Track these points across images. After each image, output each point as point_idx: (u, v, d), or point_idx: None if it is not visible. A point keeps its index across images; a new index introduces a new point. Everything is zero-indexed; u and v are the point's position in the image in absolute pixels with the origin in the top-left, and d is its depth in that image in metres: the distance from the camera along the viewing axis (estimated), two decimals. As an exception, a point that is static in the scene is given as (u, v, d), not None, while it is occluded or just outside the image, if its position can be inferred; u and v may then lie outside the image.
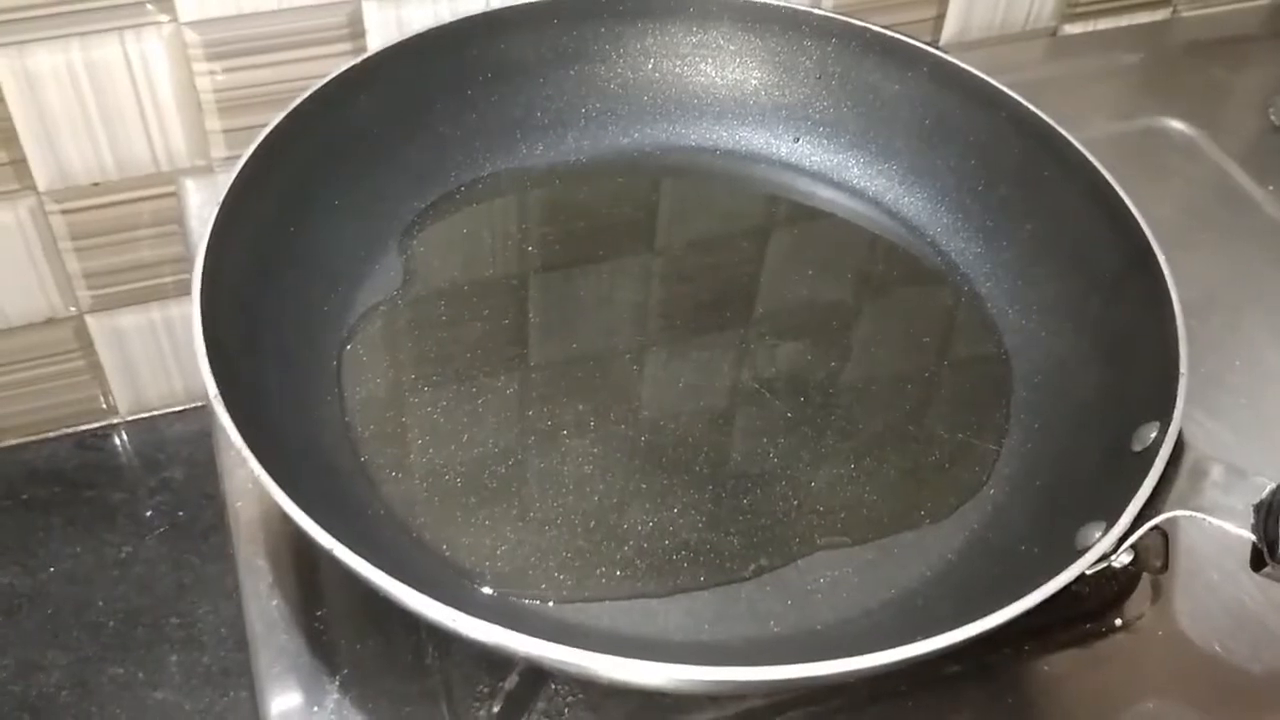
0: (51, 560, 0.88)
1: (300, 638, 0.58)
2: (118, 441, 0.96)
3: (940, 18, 0.98)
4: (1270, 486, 0.52)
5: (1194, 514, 0.53)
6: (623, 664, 0.48)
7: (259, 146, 0.66)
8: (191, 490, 0.93)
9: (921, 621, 0.53)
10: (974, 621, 0.49)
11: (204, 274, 0.59)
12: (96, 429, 0.96)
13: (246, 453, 0.51)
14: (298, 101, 0.69)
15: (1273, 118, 0.94)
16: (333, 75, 0.70)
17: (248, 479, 0.63)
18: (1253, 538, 0.51)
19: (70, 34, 0.75)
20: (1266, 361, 0.75)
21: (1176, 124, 0.93)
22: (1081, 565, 0.50)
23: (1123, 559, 0.53)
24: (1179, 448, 0.55)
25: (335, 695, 0.56)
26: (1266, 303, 0.79)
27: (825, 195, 0.78)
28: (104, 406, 0.95)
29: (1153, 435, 0.56)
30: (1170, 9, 1.06)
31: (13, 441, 0.94)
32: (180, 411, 0.97)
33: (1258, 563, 0.51)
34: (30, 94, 0.76)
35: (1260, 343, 0.76)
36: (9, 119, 0.77)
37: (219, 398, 0.53)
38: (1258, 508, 0.52)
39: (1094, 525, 0.53)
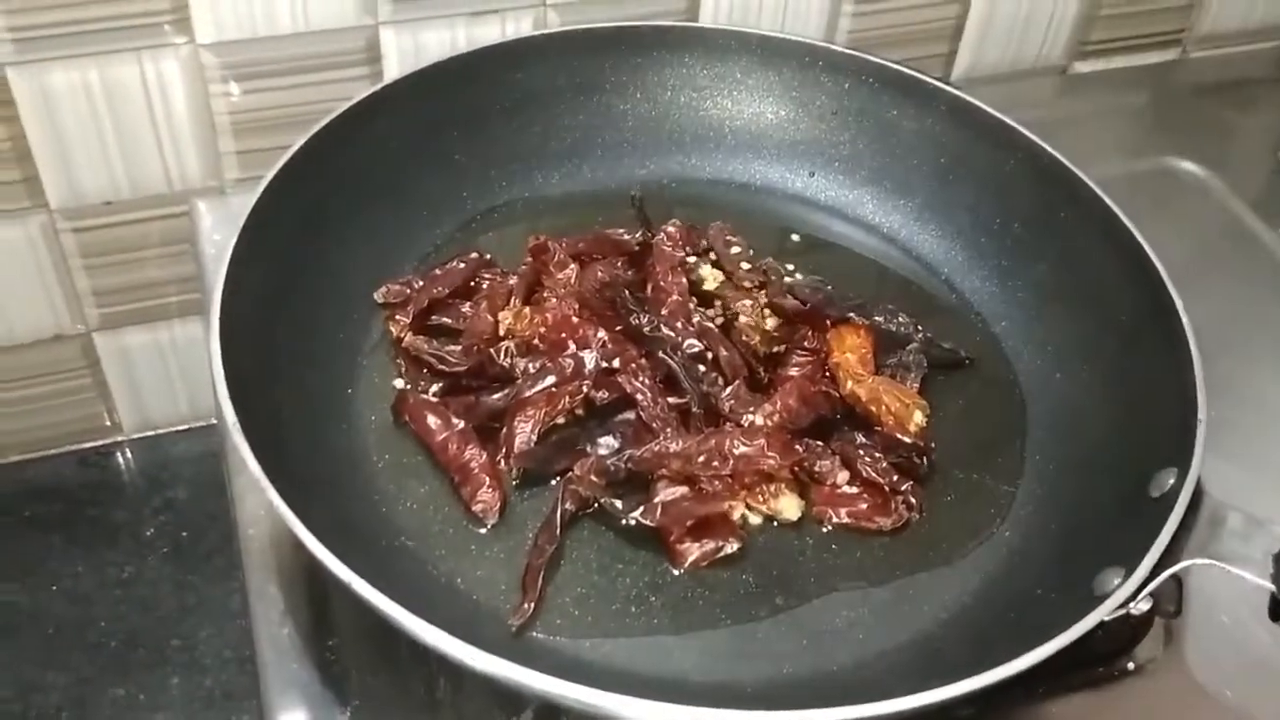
0: (52, 579, 0.88)
1: (311, 667, 0.58)
2: (121, 460, 0.96)
3: (952, 54, 0.98)
4: (1289, 537, 0.52)
5: (1214, 562, 0.53)
6: (637, 704, 0.48)
7: (276, 174, 0.66)
8: (195, 510, 0.92)
9: (938, 665, 0.53)
10: (991, 669, 0.48)
11: (223, 301, 0.59)
12: (100, 446, 0.95)
13: (265, 483, 0.51)
14: (315, 129, 0.69)
15: (1282, 160, 0.95)
16: (350, 103, 0.71)
17: (260, 505, 0.62)
18: (1272, 588, 0.51)
19: (88, 54, 0.75)
20: (1277, 404, 0.75)
21: (1186, 164, 0.93)
22: (1101, 613, 0.51)
23: (1141, 606, 0.52)
24: (1197, 495, 0.55)
25: (346, 726, 0.56)
26: (1277, 345, 0.80)
27: (840, 230, 0.78)
28: (108, 424, 0.95)
29: (1170, 482, 0.56)
30: (1180, 49, 1.07)
31: (15, 458, 0.93)
32: (184, 430, 0.96)
33: (1276, 613, 0.51)
34: (46, 112, 0.76)
35: (1270, 385, 0.76)
36: (24, 137, 0.77)
37: (238, 426, 0.53)
38: (1277, 558, 0.52)
39: (1112, 571, 0.53)
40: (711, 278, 0.70)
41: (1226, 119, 1.01)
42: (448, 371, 0.64)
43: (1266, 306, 0.83)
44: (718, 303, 0.69)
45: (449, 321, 0.68)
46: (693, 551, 0.58)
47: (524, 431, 0.61)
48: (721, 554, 0.59)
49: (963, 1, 0.95)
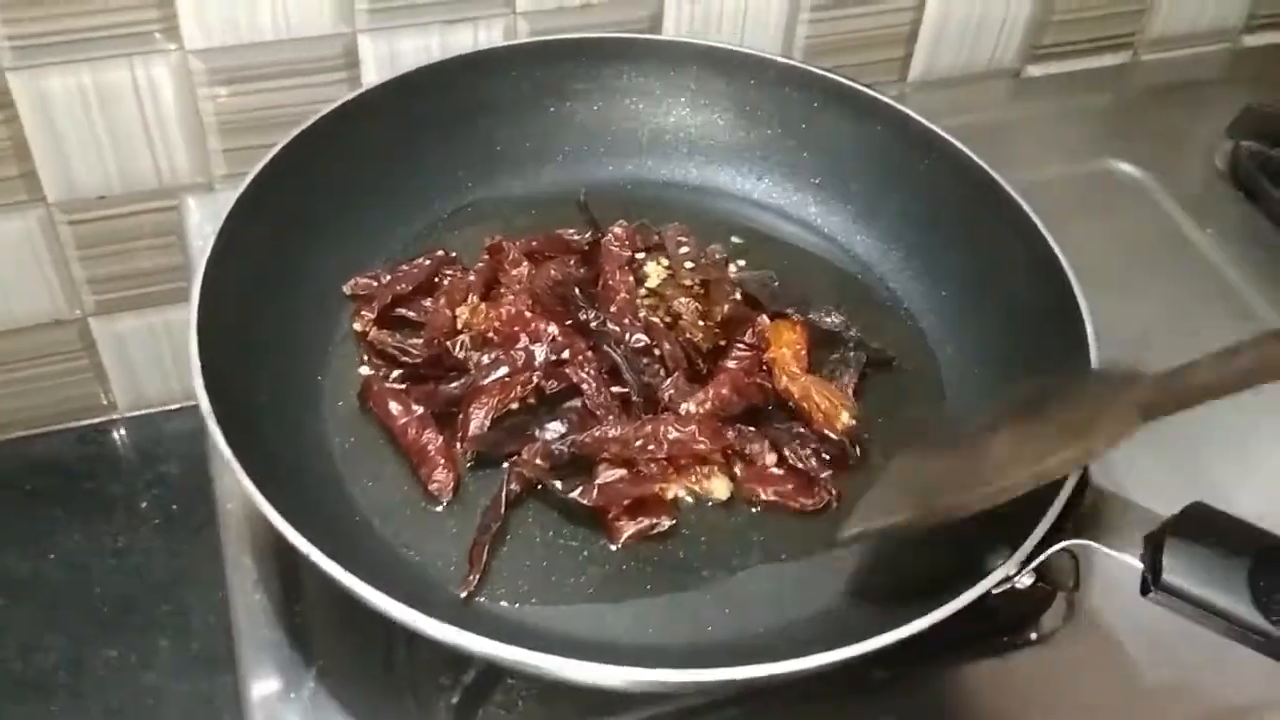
0: (51, 548, 0.93)
1: (281, 631, 0.63)
2: (117, 437, 1.00)
3: (908, 57, 1.02)
4: (1160, 520, 0.57)
5: (1090, 543, 0.57)
6: (571, 664, 0.53)
7: (260, 171, 0.71)
8: (186, 485, 0.97)
9: (846, 631, 0.58)
10: (884, 634, 0.54)
11: (202, 292, 0.64)
12: (97, 424, 1.00)
13: (235, 464, 0.56)
14: (297, 131, 0.73)
15: (1218, 163, 0.99)
16: (330, 107, 0.75)
17: (236, 483, 0.67)
18: (1140, 566, 0.56)
19: (83, 59, 0.80)
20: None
21: (1126, 167, 0.97)
22: (984, 586, 0.56)
23: (1025, 581, 0.58)
24: (1083, 480, 0.59)
25: (311, 684, 0.61)
26: (1198, 341, 0.82)
27: (787, 230, 0.83)
28: (104, 403, 1.00)
29: (1061, 469, 0.61)
30: (1131, 52, 1.11)
31: (17, 434, 0.98)
32: (177, 409, 1.01)
33: (1144, 589, 0.56)
34: (44, 114, 0.81)
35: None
36: (22, 136, 0.82)
37: (211, 413, 0.58)
38: (1147, 539, 0.56)
39: (1000, 549, 0.58)
40: (655, 275, 0.75)
41: (1173, 121, 1.04)
42: (409, 362, 0.69)
43: (1190, 304, 0.87)
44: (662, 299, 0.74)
45: (412, 315, 0.72)
46: (628, 528, 0.64)
47: (478, 417, 0.66)
48: (655, 530, 0.64)
49: (917, 7, 0.99)
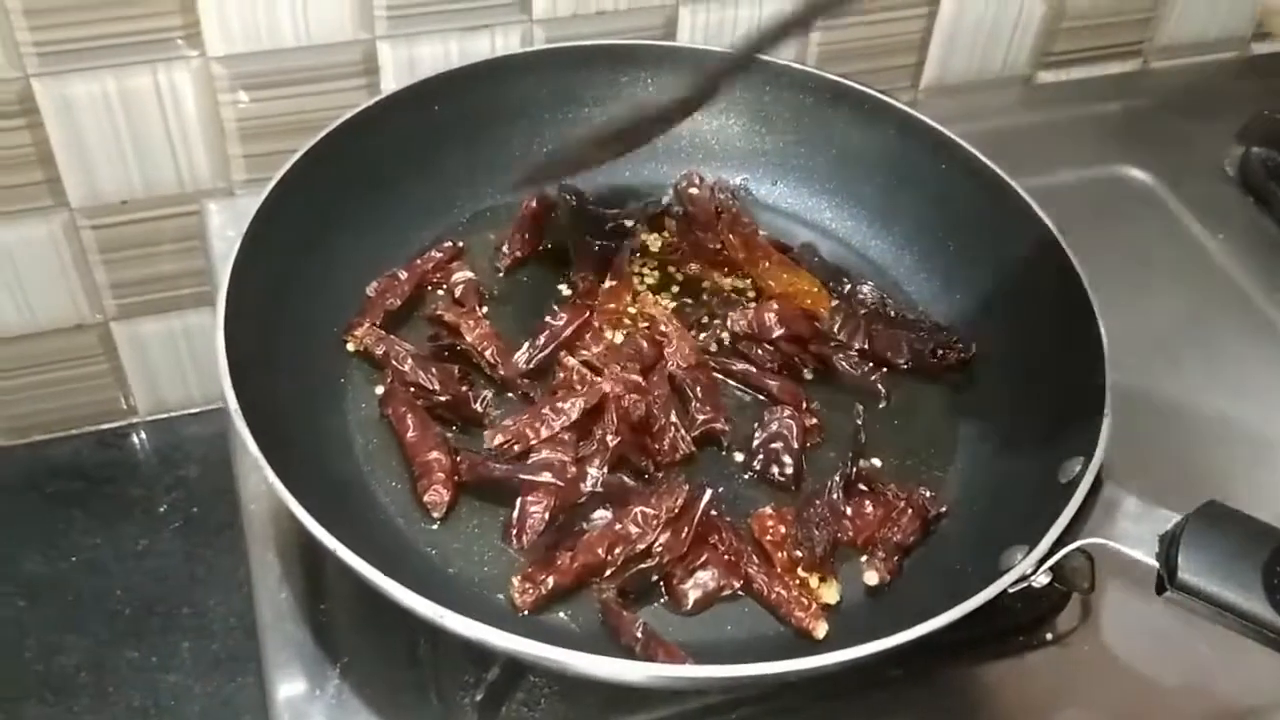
0: (72, 550, 0.93)
1: (305, 628, 0.64)
2: (137, 440, 1.01)
3: (920, 64, 1.03)
4: (1175, 520, 0.58)
5: (1106, 542, 0.58)
6: (593, 660, 0.54)
7: (281, 177, 0.72)
8: (205, 488, 0.97)
9: (862, 631, 0.59)
10: (898, 634, 0.54)
11: (228, 295, 0.65)
12: (117, 428, 1.01)
13: (262, 462, 0.57)
14: (318, 136, 0.74)
15: (1227, 169, 0.99)
16: (351, 113, 0.76)
17: (261, 482, 0.67)
18: (1156, 565, 0.57)
19: (106, 66, 0.81)
20: (1201, 401, 0.80)
21: (1137, 173, 0.98)
22: (1000, 585, 0.56)
23: (1041, 580, 0.58)
24: (1098, 481, 0.60)
25: (336, 681, 0.62)
26: (1207, 346, 0.84)
27: (801, 234, 0.84)
28: (125, 407, 1.01)
29: (1077, 469, 0.61)
30: (1141, 60, 1.12)
31: (38, 438, 0.99)
32: (196, 413, 1.02)
33: (1160, 588, 0.57)
34: (67, 119, 0.82)
35: (1197, 383, 0.82)
36: (46, 141, 0.83)
37: (238, 412, 0.59)
38: (1162, 538, 0.57)
39: (1017, 549, 0.59)
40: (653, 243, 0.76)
41: (1181, 128, 1.04)
42: (430, 394, 0.69)
43: (1201, 309, 0.87)
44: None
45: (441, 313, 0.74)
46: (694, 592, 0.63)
47: (536, 514, 0.64)
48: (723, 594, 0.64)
49: (929, 14, 1.00)
